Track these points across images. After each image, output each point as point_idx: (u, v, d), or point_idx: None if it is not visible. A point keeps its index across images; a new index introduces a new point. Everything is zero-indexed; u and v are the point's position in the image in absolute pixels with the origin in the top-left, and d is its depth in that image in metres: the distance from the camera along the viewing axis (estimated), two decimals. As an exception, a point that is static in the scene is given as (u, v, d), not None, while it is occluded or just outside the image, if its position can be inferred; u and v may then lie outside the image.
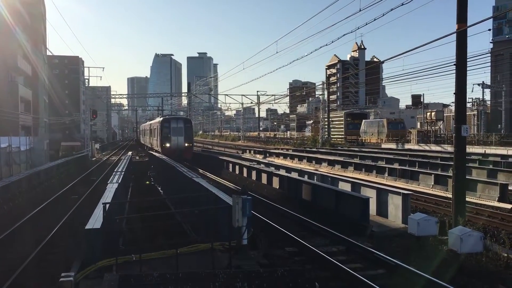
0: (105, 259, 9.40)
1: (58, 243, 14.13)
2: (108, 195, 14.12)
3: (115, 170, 24.47)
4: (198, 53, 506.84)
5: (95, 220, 10.49)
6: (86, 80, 65.62)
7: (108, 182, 18.34)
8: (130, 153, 50.88)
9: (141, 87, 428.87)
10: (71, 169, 37.96)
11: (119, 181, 18.22)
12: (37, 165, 34.20)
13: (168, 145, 39.38)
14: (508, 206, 18.65)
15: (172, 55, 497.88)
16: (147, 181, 31.33)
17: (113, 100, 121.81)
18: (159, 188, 27.54)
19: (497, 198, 19.53)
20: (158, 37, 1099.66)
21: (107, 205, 10.88)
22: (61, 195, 23.97)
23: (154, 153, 40.02)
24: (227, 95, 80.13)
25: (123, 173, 22.09)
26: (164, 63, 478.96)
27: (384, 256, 11.20)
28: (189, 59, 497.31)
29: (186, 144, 39.88)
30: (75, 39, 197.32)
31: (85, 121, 66.15)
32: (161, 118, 41.93)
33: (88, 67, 75.85)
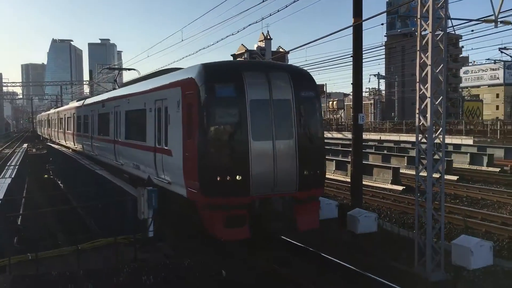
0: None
1: None
2: (-1, 192, 13.09)
3: (7, 164, 22.71)
4: (100, 39, 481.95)
5: (-16, 219, 9.68)
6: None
7: None
8: (25, 145, 47.30)
9: (37, 75, 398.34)
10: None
11: (13, 176, 16.96)
12: None
13: (239, 178, 9.24)
14: (400, 188, 20.26)
15: (72, 40, 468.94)
16: (46, 175, 29.41)
17: (5, 89, 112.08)
18: (59, 182, 26.02)
19: (390, 181, 21.12)
20: (55, 21, 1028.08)
21: (-2, 203, 10.08)
22: None
23: (54, 145, 36.58)
24: (133, 84, 77.33)
25: (17, 167, 20.56)
26: (62, 49, 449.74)
27: (287, 239, 11.66)
28: (91, 45, 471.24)
29: (306, 172, 9.93)
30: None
31: (-28, 111, 60.24)
32: (200, 69, 9.96)
33: (-26, 52, 68.97)
